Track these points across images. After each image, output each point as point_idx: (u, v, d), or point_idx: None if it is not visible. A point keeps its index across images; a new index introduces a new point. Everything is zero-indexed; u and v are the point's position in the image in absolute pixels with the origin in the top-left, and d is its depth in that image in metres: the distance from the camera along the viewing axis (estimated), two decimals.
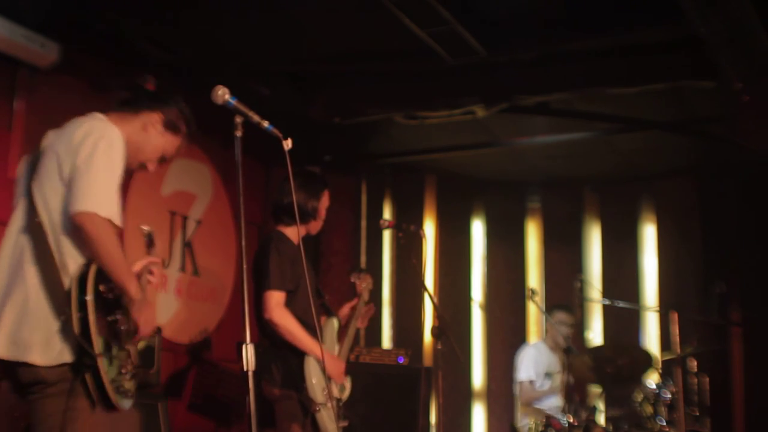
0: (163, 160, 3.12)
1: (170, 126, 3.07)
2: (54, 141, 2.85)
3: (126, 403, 2.79)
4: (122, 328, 2.80)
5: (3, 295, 2.74)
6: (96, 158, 2.72)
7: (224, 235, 6.09)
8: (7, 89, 4.59)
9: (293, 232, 4.21)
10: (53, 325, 2.66)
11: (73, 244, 2.75)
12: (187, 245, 5.78)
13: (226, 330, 5.96)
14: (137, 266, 3.00)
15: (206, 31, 5.13)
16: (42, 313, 2.67)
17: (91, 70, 5.00)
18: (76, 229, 2.69)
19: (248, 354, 2.46)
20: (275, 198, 4.32)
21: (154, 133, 3.04)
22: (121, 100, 3.04)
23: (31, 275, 2.71)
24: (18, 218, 2.84)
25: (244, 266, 2.55)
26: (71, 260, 2.75)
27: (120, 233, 2.84)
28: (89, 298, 2.66)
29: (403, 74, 5.72)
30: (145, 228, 3.14)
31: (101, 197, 2.70)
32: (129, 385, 2.81)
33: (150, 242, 3.15)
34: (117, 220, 2.77)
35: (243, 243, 2.59)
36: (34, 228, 2.75)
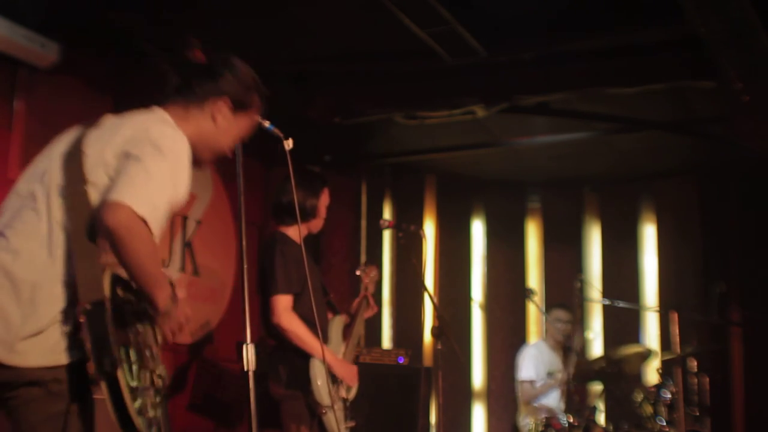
0: (242, 140, 2.77)
1: (242, 106, 2.69)
2: (116, 127, 2.49)
3: (146, 428, 2.29)
4: (143, 344, 2.39)
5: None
6: (157, 163, 2.37)
7: (224, 235, 6.09)
8: (7, 89, 4.59)
9: (295, 232, 4.22)
10: (52, 318, 2.30)
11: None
12: (187, 245, 5.78)
13: (227, 330, 5.95)
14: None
15: (206, 31, 5.12)
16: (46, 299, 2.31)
17: (91, 70, 4.99)
18: (102, 221, 2.28)
19: (248, 354, 2.46)
20: (274, 198, 4.33)
21: (224, 122, 2.67)
22: (175, 89, 2.66)
23: (57, 246, 2.35)
24: (54, 175, 2.44)
25: (245, 266, 2.54)
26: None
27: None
28: (107, 297, 2.27)
29: (403, 74, 5.72)
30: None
31: (144, 195, 2.31)
32: (153, 411, 2.33)
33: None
34: (155, 229, 2.35)
35: (243, 243, 2.58)
36: (76, 195, 2.37)
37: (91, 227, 2.34)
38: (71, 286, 2.32)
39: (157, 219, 2.35)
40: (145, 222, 2.30)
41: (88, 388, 2.24)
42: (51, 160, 2.50)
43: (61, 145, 2.53)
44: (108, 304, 2.26)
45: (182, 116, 2.62)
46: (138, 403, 2.27)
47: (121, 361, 2.24)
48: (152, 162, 2.36)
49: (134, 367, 2.32)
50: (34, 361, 2.29)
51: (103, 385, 2.20)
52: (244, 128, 2.73)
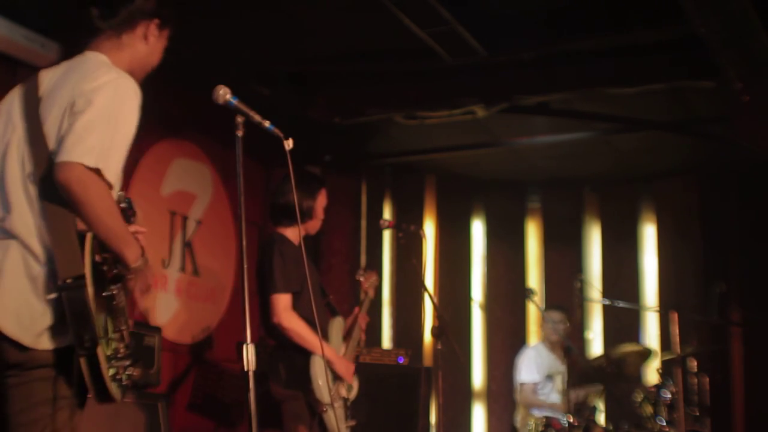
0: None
1: (165, 22, 2.80)
2: (61, 85, 2.54)
3: (120, 392, 2.40)
4: (118, 305, 2.41)
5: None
6: (100, 113, 2.40)
7: (224, 235, 6.09)
8: (7, 89, 4.57)
9: (293, 233, 4.22)
10: (37, 301, 2.34)
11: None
12: (187, 245, 5.78)
13: (226, 330, 5.95)
14: None
15: (206, 30, 5.13)
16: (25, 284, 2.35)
17: None
18: (56, 181, 2.31)
19: (248, 354, 2.46)
20: (272, 199, 4.33)
21: (154, 41, 2.77)
22: (99, 18, 2.69)
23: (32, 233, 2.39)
24: (19, 161, 2.47)
25: (245, 266, 2.54)
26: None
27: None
28: (87, 271, 2.28)
29: (403, 74, 5.72)
30: (121, 193, 2.61)
31: (91, 145, 2.33)
32: (125, 371, 2.41)
33: (130, 210, 2.69)
34: (111, 176, 2.38)
35: (243, 243, 2.58)
36: (47, 175, 2.39)
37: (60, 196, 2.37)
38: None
39: (111, 166, 2.38)
40: (99, 172, 2.33)
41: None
42: (12, 144, 2.51)
43: (18, 128, 2.54)
44: (88, 279, 2.28)
45: (116, 46, 2.68)
46: (113, 370, 2.33)
47: (101, 336, 2.27)
48: (95, 113, 2.38)
49: (109, 332, 2.36)
50: (50, 344, 2.34)
51: (83, 361, 2.26)
52: (165, 42, 2.85)
